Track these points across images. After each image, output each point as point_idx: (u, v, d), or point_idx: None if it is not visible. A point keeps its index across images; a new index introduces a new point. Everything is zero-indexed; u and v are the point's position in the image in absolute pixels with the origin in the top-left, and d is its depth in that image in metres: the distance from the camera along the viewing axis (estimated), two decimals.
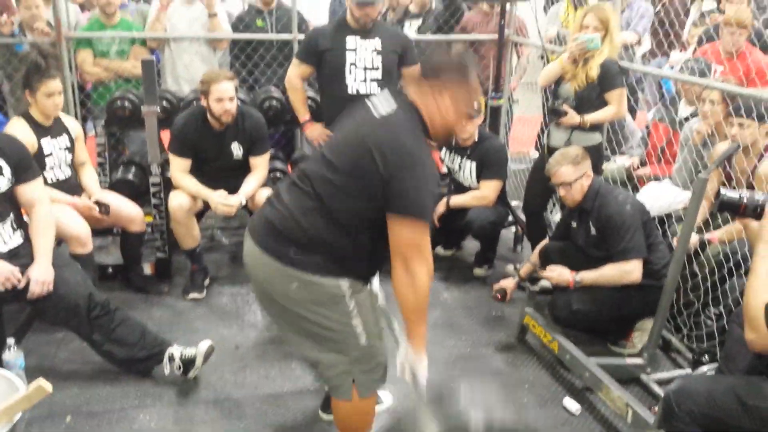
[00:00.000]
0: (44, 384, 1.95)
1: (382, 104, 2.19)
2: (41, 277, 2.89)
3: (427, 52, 2.06)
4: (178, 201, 3.79)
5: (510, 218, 4.46)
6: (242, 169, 3.97)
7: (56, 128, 3.68)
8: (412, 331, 2.19)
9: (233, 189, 3.86)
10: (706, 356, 3.07)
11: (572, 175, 3.31)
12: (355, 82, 3.70)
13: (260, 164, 3.97)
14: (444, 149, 4.27)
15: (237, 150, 3.92)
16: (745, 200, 2.14)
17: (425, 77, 2.20)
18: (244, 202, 3.84)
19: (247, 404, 3.01)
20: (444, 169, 4.50)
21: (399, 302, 2.16)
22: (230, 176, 3.92)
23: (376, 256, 2.20)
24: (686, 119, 4.06)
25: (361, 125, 2.19)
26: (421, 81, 2.20)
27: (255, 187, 3.90)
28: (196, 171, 3.91)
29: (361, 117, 2.23)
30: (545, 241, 3.76)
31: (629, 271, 3.19)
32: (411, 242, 2.08)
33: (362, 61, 3.68)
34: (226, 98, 3.70)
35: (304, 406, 2.99)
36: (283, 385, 3.15)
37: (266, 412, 2.96)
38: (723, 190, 2.17)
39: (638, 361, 3.16)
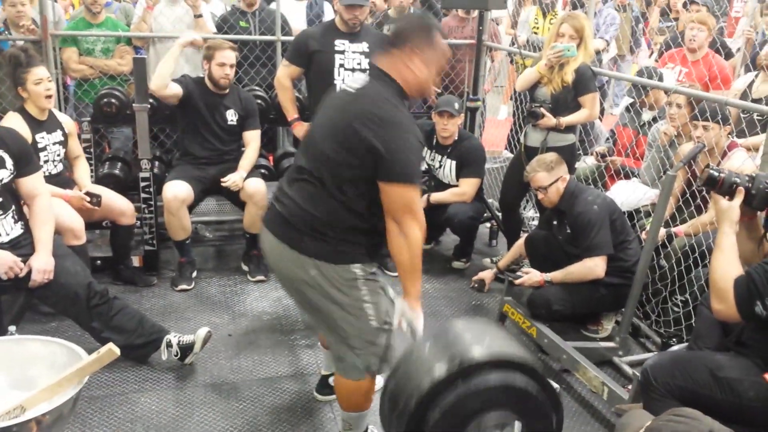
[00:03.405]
0: (113, 348, 2.07)
1: (355, 82, 2.35)
2: (42, 266, 2.97)
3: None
4: (173, 192, 3.91)
5: (486, 214, 4.67)
6: (235, 137, 4.22)
7: (51, 123, 3.75)
8: (407, 288, 2.36)
9: (222, 157, 4.15)
10: (674, 340, 3.31)
11: (547, 180, 3.55)
12: (343, 82, 3.84)
13: (253, 138, 4.24)
14: (425, 148, 4.45)
15: (232, 116, 4.19)
16: (723, 176, 2.34)
17: (394, 46, 2.30)
18: (245, 176, 4.05)
19: (244, 387, 3.14)
20: (424, 167, 4.68)
21: (395, 262, 2.32)
22: (223, 141, 4.18)
23: (378, 230, 2.32)
24: (648, 123, 4.32)
25: (340, 104, 2.34)
26: (390, 50, 2.31)
27: (252, 159, 4.17)
28: (193, 131, 4.13)
29: (338, 98, 2.40)
30: (525, 235, 3.98)
31: (591, 267, 3.41)
32: (403, 206, 2.22)
33: (350, 63, 3.85)
34: (227, 64, 4.02)
35: (299, 389, 3.14)
36: (278, 369, 3.29)
37: (263, 394, 3.10)
38: (711, 167, 2.37)
39: (611, 344, 3.40)
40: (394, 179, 2.19)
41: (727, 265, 2.23)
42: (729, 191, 2.33)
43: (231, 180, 3.99)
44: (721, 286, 2.22)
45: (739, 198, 2.31)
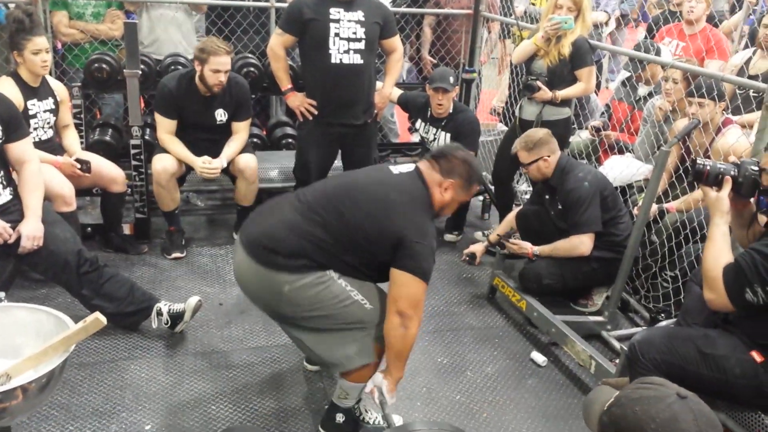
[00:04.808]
0: (100, 317, 2.06)
1: (402, 167, 2.54)
2: (31, 232, 2.95)
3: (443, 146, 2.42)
4: (162, 164, 3.87)
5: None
6: (223, 133, 4.07)
7: (43, 90, 3.71)
8: (392, 371, 2.45)
9: (213, 153, 3.97)
10: (662, 315, 3.33)
11: (527, 159, 3.56)
12: (338, 52, 3.79)
13: (242, 129, 4.09)
14: (419, 120, 4.42)
15: (221, 116, 4.04)
16: (708, 168, 2.34)
17: (440, 171, 2.49)
18: (225, 165, 3.95)
19: (234, 356, 3.16)
20: (417, 139, 4.65)
21: (387, 346, 2.42)
22: (211, 139, 4.03)
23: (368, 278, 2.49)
24: (644, 98, 4.29)
25: (380, 184, 2.47)
26: (436, 168, 2.50)
27: (236, 150, 4.02)
28: (179, 132, 3.99)
29: (381, 174, 2.55)
30: (517, 209, 3.98)
31: (577, 245, 3.44)
32: (412, 300, 2.35)
33: (345, 32, 3.78)
34: (222, 71, 3.81)
35: (289, 358, 3.16)
36: (268, 339, 3.30)
37: (253, 363, 3.11)
38: (696, 160, 2.36)
39: (600, 318, 3.43)
40: (414, 272, 2.32)
41: (717, 255, 2.25)
42: (716, 182, 2.32)
43: (207, 170, 3.90)
44: (712, 276, 2.24)
45: (727, 187, 2.30)
